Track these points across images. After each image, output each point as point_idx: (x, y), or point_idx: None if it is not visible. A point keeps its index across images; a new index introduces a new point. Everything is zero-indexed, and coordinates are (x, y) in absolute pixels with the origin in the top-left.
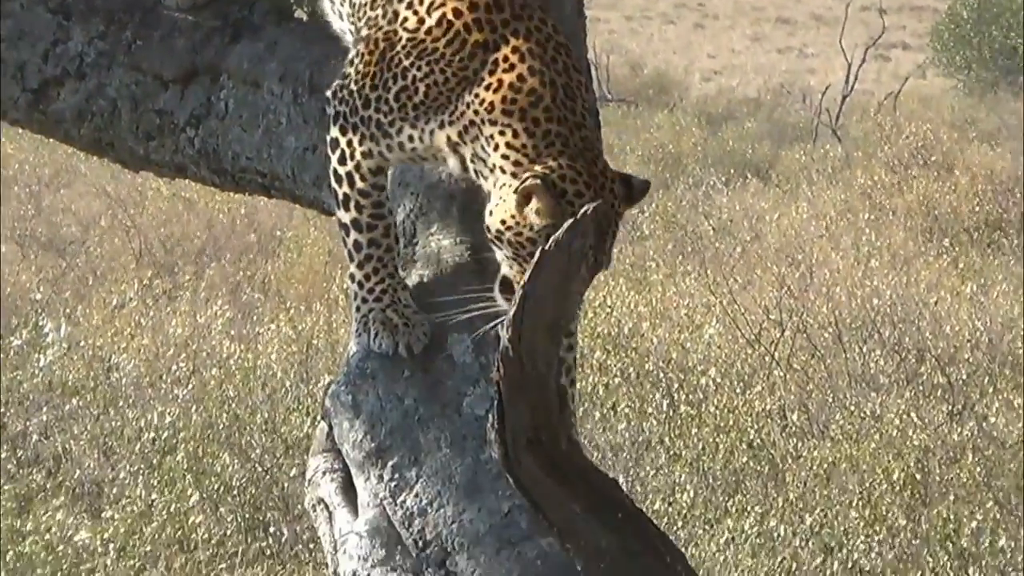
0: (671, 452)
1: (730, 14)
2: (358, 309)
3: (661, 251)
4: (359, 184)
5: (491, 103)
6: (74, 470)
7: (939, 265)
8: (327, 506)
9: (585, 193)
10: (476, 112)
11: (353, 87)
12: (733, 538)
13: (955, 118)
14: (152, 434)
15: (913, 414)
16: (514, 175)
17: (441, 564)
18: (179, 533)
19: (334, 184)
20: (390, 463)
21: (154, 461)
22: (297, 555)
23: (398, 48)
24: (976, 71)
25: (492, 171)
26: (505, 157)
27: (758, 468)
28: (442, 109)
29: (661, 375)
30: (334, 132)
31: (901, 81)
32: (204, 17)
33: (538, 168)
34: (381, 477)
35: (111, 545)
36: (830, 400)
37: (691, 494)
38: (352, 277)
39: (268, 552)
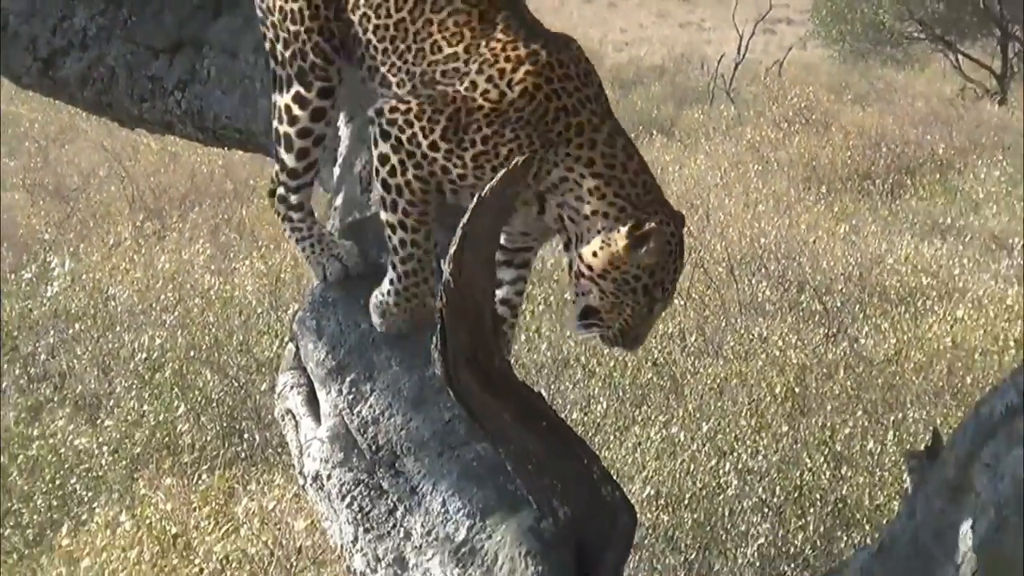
0: (586, 369)
1: None
2: (389, 292)
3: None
4: (407, 195)
5: (590, 159)
6: (76, 385)
7: (817, 209)
8: (294, 416)
9: (676, 233)
10: (571, 168)
11: (416, 126)
12: (640, 443)
13: (832, 83)
14: (143, 354)
15: (794, 336)
16: (617, 219)
17: (391, 465)
18: (166, 439)
19: (381, 190)
20: (348, 379)
21: (145, 377)
22: (268, 458)
23: (478, 115)
24: (849, 42)
25: (589, 217)
26: (612, 204)
27: (661, 383)
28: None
29: None
30: (384, 148)
31: (785, 51)
32: None
33: (648, 216)
34: (340, 391)
35: (106, 448)
36: (723, 324)
37: (603, 406)
38: (393, 266)
39: (243, 455)
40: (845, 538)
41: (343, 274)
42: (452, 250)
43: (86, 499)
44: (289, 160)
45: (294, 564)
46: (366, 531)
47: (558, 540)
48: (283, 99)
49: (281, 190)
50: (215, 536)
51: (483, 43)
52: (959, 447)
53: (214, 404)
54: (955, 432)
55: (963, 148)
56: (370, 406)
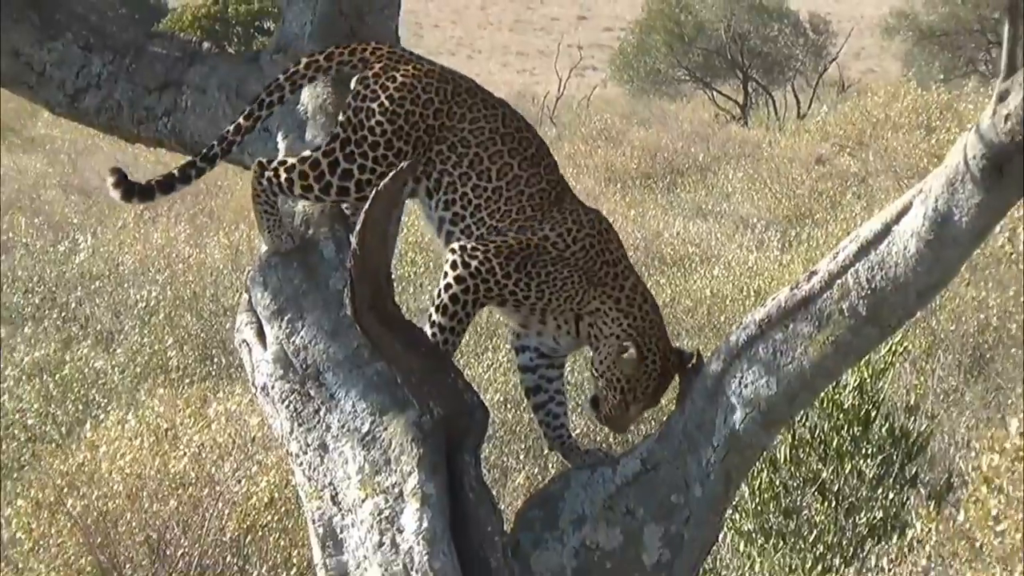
0: None
1: (488, 51)
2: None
3: None
4: (461, 314)
5: (618, 298)
6: (96, 324)
7: (615, 200)
8: (248, 344)
9: (658, 359)
10: (604, 302)
11: (494, 261)
12: (492, 364)
13: (624, 111)
14: (143, 303)
15: None
16: (618, 337)
17: (316, 379)
18: (160, 362)
19: (447, 301)
20: (286, 318)
21: (145, 319)
22: (231, 375)
23: (546, 257)
24: (636, 83)
25: (608, 337)
26: (624, 331)
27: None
28: (571, 298)
29: None
30: (462, 272)
31: (591, 90)
32: (172, 50)
33: (643, 342)
34: (280, 326)
35: (117, 369)
36: None
37: (466, 337)
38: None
39: (214, 373)
40: (636, 431)
41: (288, 246)
42: (357, 229)
43: (103, 405)
44: (302, 168)
45: (249, 448)
46: (299, 425)
47: (433, 431)
48: (325, 159)
49: (275, 176)
50: (194, 430)
51: (554, 211)
52: (715, 364)
53: (193, 338)
54: (712, 354)
55: (717, 156)
56: (301, 337)
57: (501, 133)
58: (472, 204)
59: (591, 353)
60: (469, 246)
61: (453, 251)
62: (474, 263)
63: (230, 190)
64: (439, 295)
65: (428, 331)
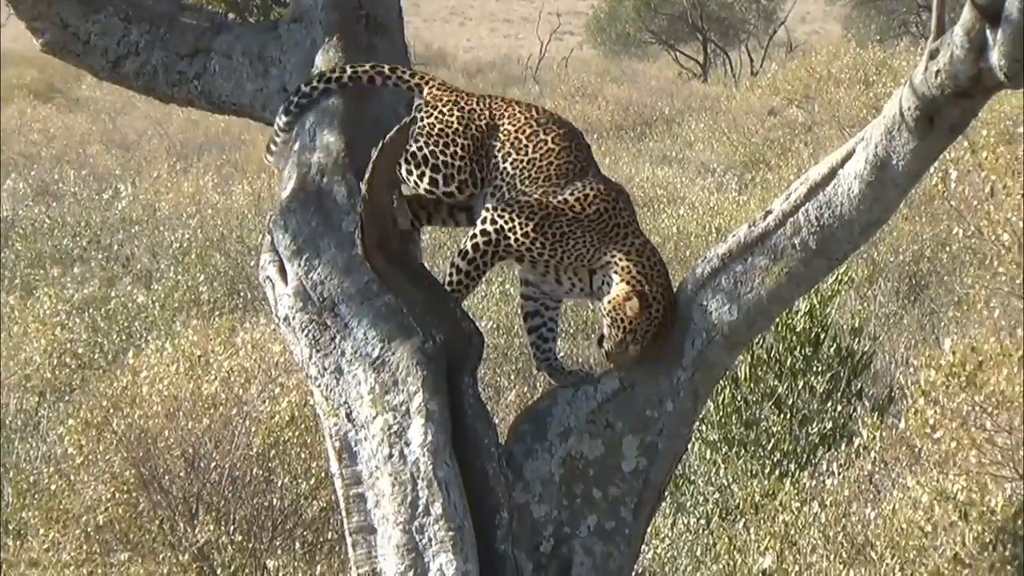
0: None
1: (478, 18)
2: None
3: None
4: (479, 261)
5: (628, 251)
6: (136, 264)
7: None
8: (271, 280)
9: (660, 306)
10: (614, 255)
11: (516, 221)
12: (485, 295)
13: (599, 71)
14: (177, 244)
15: None
16: (627, 283)
17: (332, 310)
18: (193, 297)
19: (469, 250)
20: (304, 256)
21: (179, 258)
22: (256, 307)
23: (563, 219)
24: (608, 45)
25: (618, 284)
26: (633, 278)
27: None
28: (583, 256)
29: None
30: (487, 227)
31: (569, 52)
32: (201, 20)
33: (647, 288)
34: (300, 264)
35: (156, 303)
36: None
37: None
38: (448, 286)
39: (240, 306)
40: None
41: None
42: (366, 177)
43: (143, 335)
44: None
45: (273, 372)
46: (317, 351)
47: (435, 355)
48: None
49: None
50: (224, 356)
51: (577, 181)
52: (682, 294)
53: (222, 274)
54: (679, 285)
55: (681, 110)
56: (318, 273)
57: (535, 118)
58: (509, 175)
59: (602, 299)
60: (500, 207)
61: (487, 209)
62: (500, 221)
63: (252, 143)
64: (465, 243)
65: (447, 272)
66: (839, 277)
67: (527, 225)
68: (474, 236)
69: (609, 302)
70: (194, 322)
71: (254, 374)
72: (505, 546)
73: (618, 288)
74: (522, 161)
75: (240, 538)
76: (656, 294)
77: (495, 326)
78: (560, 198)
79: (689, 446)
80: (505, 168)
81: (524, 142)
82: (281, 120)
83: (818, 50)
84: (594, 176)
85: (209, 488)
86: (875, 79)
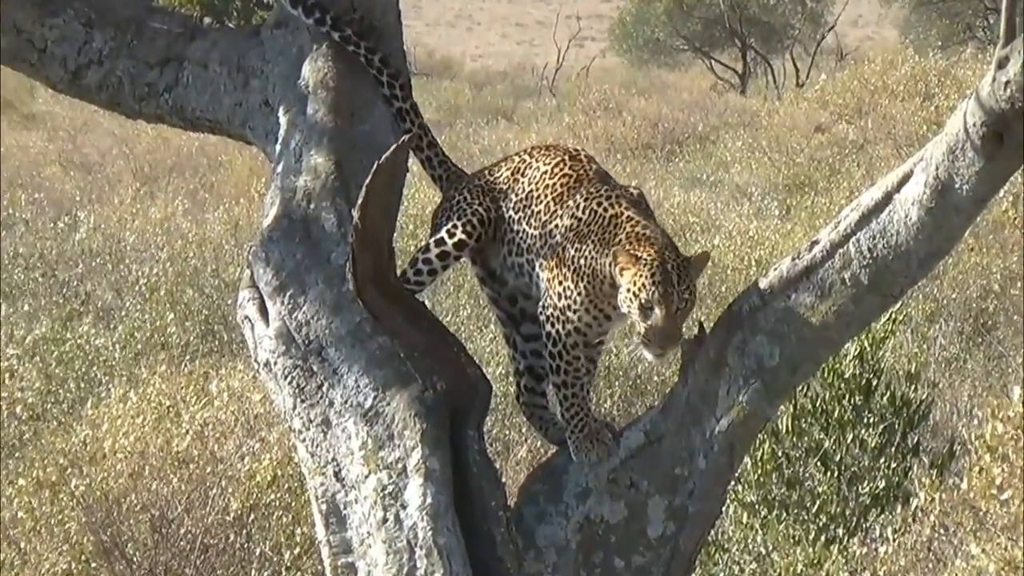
0: (455, 285)
1: (488, 22)
2: (569, 436)
3: None
4: (565, 357)
5: (628, 238)
6: (97, 301)
7: (614, 172)
8: (250, 320)
9: (667, 266)
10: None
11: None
12: (494, 337)
13: (623, 81)
14: (144, 279)
15: None
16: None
17: (319, 354)
18: (161, 339)
19: (549, 359)
20: (288, 294)
21: (146, 295)
22: (233, 351)
23: (571, 251)
24: (635, 53)
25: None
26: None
27: None
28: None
29: None
30: (547, 327)
31: (590, 60)
32: (173, 26)
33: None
34: (283, 302)
35: (118, 346)
36: None
37: (468, 311)
38: (563, 415)
39: (215, 349)
40: (639, 403)
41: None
42: (359, 202)
43: (104, 382)
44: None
45: (252, 425)
46: (302, 401)
47: (436, 405)
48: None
49: None
50: (197, 407)
51: (569, 199)
52: (718, 335)
53: (195, 314)
54: (715, 324)
55: (716, 126)
56: (303, 312)
57: (537, 159)
58: (520, 233)
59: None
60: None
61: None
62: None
63: (230, 165)
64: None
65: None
66: (894, 316)
67: (563, 300)
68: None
69: (622, 293)
70: (163, 368)
71: (231, 427)
72: None
73: (623, 277)
74: (525, 211)
75: None
76: (657, 256)
77: (504, 372)
78: (561, 229)
79: (723, 508)
80: (528, 245)
81: (534, 200)
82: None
83: (872, 58)
84: (589, 185)
85: (179, 558)
86: (936, 91)
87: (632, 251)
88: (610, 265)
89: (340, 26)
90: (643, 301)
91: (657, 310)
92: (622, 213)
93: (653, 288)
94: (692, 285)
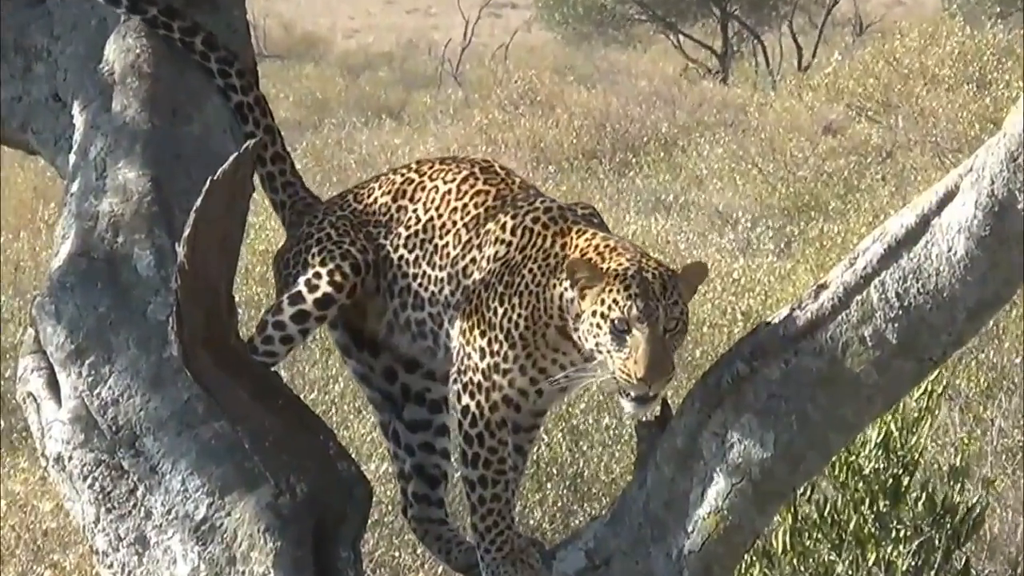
0: (323, 348)
1: None
2: (482, 558)
3: (311, 183)
4: (488, 442)
5: (586, 253)
6: None
7: (545, 189)
8: (35, 398)
9: (645, 275)
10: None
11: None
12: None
13: (556, 65)
14: None
15: None
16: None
17: (131, 445)
18: None
19: (464, 445)
20: (87, 361)
21: None
22: (13, 443)
23: (505, 281)
24: (573, 25)
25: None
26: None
27: None
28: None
29: None
30: (464, 400)
31: (510, 35)
32: None
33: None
34: (80, 373)
35: None
36: None
37: (341, 385)
38: (475, 527)
39: None
40: (581, 512)
41: None
42: (186, 233)
43: None
44: None
45: (41, 546)
46: (108, 511)
47: (295, 515)
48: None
49: None
50: None
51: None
52: (687, 416)
53: None
54: (683, 402)
55: (687, 126)
56: (109, 387)
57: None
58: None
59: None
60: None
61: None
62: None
63: (7, 183)
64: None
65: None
66: (933, 389)
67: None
68: (460, 424)
69: (584, 321)
70: None
71: (11, 548)
72: None
73: (585, 301)
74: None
75: None
76: (631, 264)
77: (391, 470)
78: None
79: None
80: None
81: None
82: None
83: (904, 31)
84: (505, 210)
85: None
86: (994, 76)
87: (594, 263)
88: (562, 289)
89: (141, 6)
90: (615, 322)
91: (637, 331)
92: (570, 228)
93: (629, 302)
94: (682, 301)
